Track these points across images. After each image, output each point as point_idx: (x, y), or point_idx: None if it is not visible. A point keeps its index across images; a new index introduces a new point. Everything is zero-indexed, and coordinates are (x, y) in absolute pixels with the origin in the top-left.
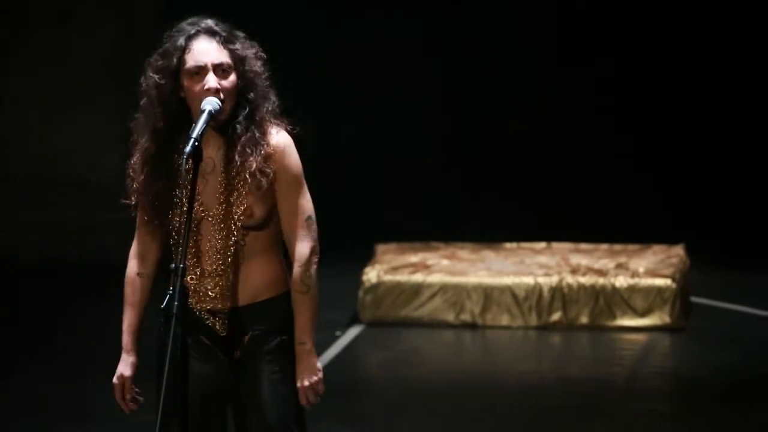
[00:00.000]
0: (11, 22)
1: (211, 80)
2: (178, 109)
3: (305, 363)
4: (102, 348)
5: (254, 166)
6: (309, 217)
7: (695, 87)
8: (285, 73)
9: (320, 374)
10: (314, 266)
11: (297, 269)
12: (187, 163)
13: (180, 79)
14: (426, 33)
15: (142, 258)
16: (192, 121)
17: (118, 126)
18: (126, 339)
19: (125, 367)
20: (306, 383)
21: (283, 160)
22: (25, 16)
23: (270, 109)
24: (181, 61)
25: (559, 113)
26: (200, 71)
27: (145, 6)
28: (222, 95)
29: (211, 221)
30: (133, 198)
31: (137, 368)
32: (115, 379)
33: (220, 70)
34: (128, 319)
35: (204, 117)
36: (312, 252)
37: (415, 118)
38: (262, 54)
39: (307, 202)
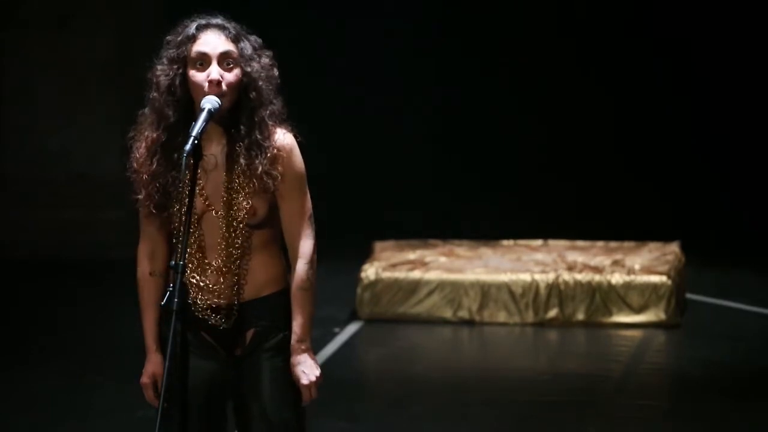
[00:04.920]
0: (12, 23)
1: (214, 71)
2: (187, 99)
3: (307, 361)
4: (101, 345)
5: (260, 169)
6: (311, 216)
7: (692, 87)
8: (284, 72)
9: (319, 370)
10: (315, 264)
11: (302, 266)
12: (186, 161)
13: (186, 69)
14: (426, 34)
15: (151, 257)
16: (195, 115)
17: (118, 126)
18: (149, 339)
19: (156, 366)
20: (309, 380)
21: (289, 162)
22: (26, 17)
23: (273, 112)
24: (189, 50)
25: (557, 112)
26: (204, 60)
27: (145, 7)
28: (224, 87)
29: (216, 217)
30: (140, 191)
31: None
32: (146, 379)
33: (224, 62)
34: (148, 320)
35: (203, 115)
36: (314, 250)
37: (414, 117)
38: (274, 61)
39: (309, 202)
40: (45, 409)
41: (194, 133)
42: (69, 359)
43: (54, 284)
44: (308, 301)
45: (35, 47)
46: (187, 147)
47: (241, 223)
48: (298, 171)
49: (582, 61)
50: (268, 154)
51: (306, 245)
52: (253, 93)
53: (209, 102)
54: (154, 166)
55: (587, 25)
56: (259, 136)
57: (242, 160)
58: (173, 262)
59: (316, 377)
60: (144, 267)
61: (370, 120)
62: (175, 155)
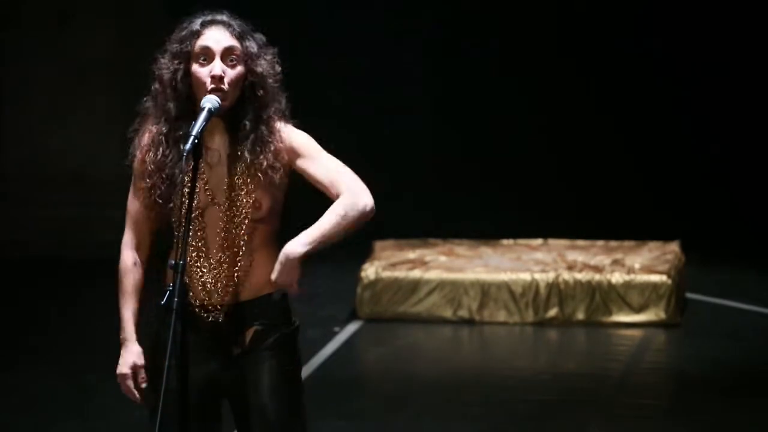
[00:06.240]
0: (12, 22)
1: (217, 66)
2: (188, 95)
3: (285, 265)
4: (101, 345)
5: (265, 164)
6: (341, 169)
7: (692, 86)
8: (284, 72)
9: (295, 280)
10: (360, 197)
11: (340, 197)
12: (187, 160)
13: (189, 65)
14: (425, 33)
15: (137, 247)
16: (197, 110)
17: (118, 125)
18: (129, 328)
19: (136, 356)
20: (277, 279)
21: (292, 144)
22: (26, 17)
23: (278, 109)
24: (192, 45)
25: (556, 112)
26: (207, 55)
27: (145, 6)
28: (226, 84)
29: (218, 210)
30: (145, 181)
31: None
32: (126, 369)
33: (228, 58)
34: (129, 309)
35: (204, 115)
36: (357, 185)
37: (414, 117)
38: (277, 59)
39: (334, 159)
40: (45, 409)
41: (194, 133)
42: (69, 359)
43: (54, 284)
44: (329, 221)
45: (35, 47)
46: (187, 146)
47: (246, 218)
48: (304, 145)
49: (582, 61)
50: (273, 148)
51: (345, 183)
52: (261, 91)
53: (209, 102)
54: (160, 157)
55: (588, 24)
56: (265, 132)
57: (247, 155)
58: (173, 261)
59: (282, 280)
60: (128, 256)
61: (369, 119)
62: (181, 145)
